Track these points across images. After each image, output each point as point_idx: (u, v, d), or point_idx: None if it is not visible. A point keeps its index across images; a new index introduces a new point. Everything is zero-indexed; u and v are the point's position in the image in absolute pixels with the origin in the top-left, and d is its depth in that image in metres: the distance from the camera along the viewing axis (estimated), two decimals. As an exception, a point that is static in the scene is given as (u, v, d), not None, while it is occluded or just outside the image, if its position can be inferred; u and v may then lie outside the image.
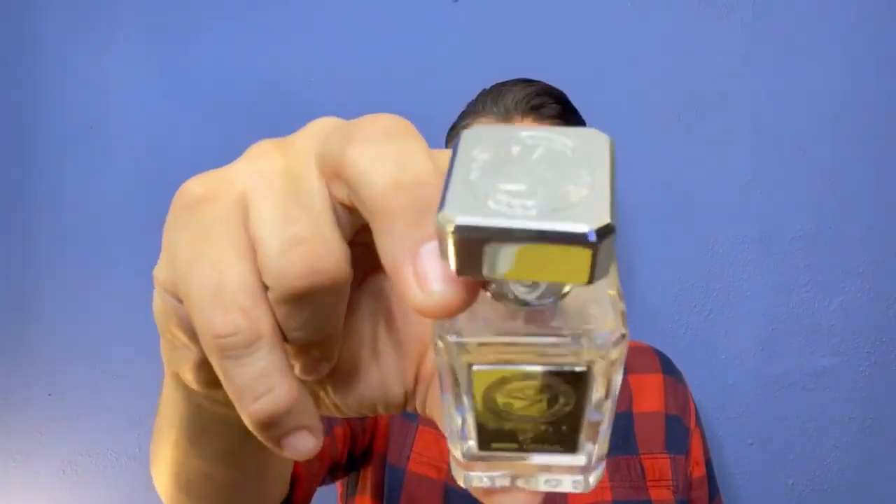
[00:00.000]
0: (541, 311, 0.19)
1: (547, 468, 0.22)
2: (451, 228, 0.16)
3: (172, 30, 1.13)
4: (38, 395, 1.13)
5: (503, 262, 0.16)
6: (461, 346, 0.19)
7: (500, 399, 0.20)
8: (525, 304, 0.19)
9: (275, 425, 0.21)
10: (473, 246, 0.16)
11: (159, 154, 1.13)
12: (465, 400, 0.20)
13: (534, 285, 0.19)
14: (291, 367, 0.21)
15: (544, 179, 0.17)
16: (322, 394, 0.26)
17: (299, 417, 0.21)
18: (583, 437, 0.21)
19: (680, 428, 0.86)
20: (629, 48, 1.10)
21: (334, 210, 0.21)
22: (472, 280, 0.18)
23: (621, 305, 0.19)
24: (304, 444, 0.22)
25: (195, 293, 0.21)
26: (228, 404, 0.26)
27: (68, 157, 1.13)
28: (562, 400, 0.20)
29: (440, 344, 0.19)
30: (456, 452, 0.22)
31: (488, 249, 0.16)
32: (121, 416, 1.11)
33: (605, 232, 0.16)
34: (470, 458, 0.22)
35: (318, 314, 0.21)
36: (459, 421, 0.21)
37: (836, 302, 1.09)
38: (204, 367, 0.24)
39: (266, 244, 0.20)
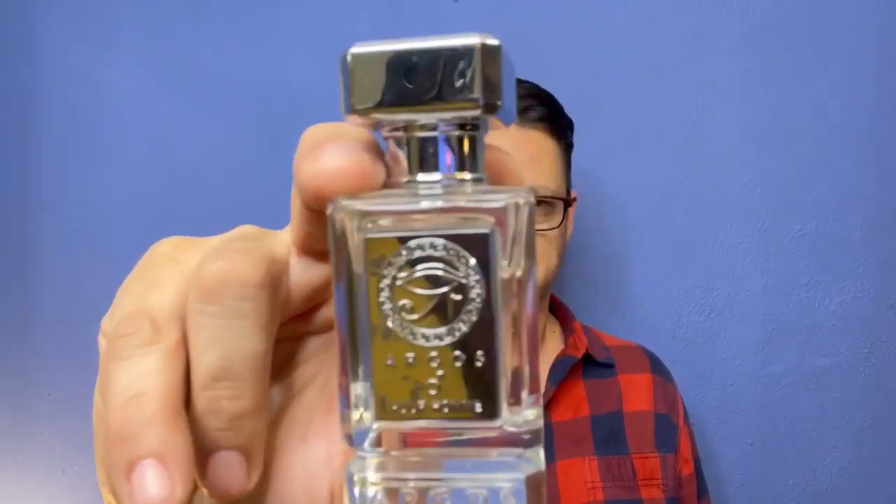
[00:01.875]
0: (449, 190, 0.19)
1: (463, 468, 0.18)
2: (349, 57, 0.18)
3: (172, 30, 1.13)
4: (38, 395, 1.13)
5: (398, 82, 0.18)
6: (360, 214, 0.18)
7: (398, 295, 0.18)
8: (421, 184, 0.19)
9: (130, 440, 0.17)
10: (370, 70, 0.18)
11: (159, 154, 1.13)
12: (358, 309, 0.18)
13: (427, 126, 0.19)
14: (181, 398, 0.18)
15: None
16: None
17: (161, 442, 0.17)
18: (501, 366, 0.18)
19: (669, 426, 0.87)
20: (629, 48, 1.10)
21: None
22: (368, 155, 0.18)
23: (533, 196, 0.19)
24: (157, 485, 0.17)
25: (118, 310, 0.20)
26: None
27: (68, 157, 1.13)
28: (467, 286, 0.18)
29: (332, 219, 0.18)
30: (348, 429, 0.18)
31: (384, 70, 0.18)
32: (121, 416, 1.11)
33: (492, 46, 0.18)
34: (363, 438, 0.18)
35: (228, 325, 0.18)
36: (351, 362, 0.18)
37: (836, 302, 1.09)
38: None
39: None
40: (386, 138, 0.20)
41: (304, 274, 0.21)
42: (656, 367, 0.92)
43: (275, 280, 0.19)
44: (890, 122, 1.09)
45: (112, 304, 0.21)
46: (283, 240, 0.21)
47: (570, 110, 0.90)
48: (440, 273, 0.18)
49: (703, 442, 1.09)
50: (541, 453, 0.18)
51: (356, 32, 1.12)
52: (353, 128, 0.19)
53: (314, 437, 0.22)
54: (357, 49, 0.18)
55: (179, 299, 0.19)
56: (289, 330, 0.22)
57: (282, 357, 0.22)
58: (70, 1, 1.14)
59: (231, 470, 0.18)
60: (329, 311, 0.23)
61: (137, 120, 1.13)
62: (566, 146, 0.88)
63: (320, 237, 0.20)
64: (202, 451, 0.18)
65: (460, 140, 0.19)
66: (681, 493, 0.87)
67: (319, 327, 0.23)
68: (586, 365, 0.87)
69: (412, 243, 0.18)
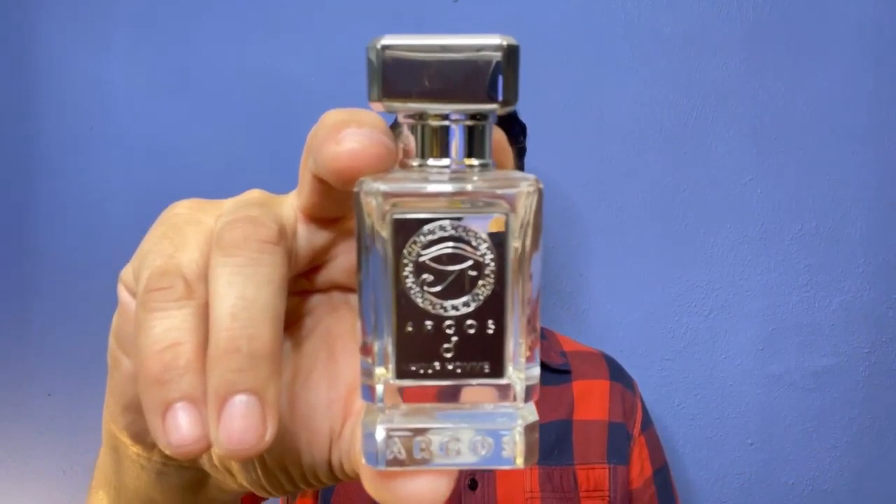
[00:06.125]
0: (459, 175, 0.20)
1: (472, 420, 0.20)
2: (380, 49, 0.19)
3: (172, 29, 1.13)
4: (38, 395, 1.13)
5: (424, 79, 0.19)
6: (384, 195, 0.19)
7: (420, 270, 0.20)
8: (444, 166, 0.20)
9: (167, 384, 0.19)
10: (400, 63, 0.19)
11: (159, 154, 1.13)
12: (382, 281, 0.19)
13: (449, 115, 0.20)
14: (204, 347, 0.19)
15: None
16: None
17: (195, 388, 0.19)
18: (508, 333, 0.20)
19: (623, 436, 0.85)
20: (630, 49, 1.10)
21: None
22: (385, 139, 0.20)
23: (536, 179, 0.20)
24: (189, 426, 0.19)
25: (147, 267, 0.21)
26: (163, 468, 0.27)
27: (68, 157, 1.13)
28: (483, 264, 0.20)
29: (360, 199, 0.19)
30: (371, 382, 0.20)
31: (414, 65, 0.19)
32: (121, 416, 1.11)
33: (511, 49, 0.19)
34: (387, 394, 0.20)
35: (247, 272, 0.20)
36: (374, 327, 0.20)
37: (836, 302, 1.09)
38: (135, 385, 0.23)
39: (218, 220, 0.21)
40: (400, 123, 0.21)
41: (309, 237, 0.23)
42: (615, 374, 0.89)
43: (286, 241, 0.21)
44: (890, 122, 1.09)
45: (133, 258, 0.23)
46: (290, 204, 0.23)
47: (570, 109, 0.90)
48: (459, 251, 0.20)
49: (703, 442, 1.09)
50: (533, 406, 0.21)
51: (356, 32, 1.12)
52: (369, 112, 0.20)
53: (316, 382, 0.24)
54: (388, 41, 0.19)
55: (204, 258, 0.21)
56: (292, 286, 0.23)
57: (286, 310, 0.23)
58: (70, 1, 1.13)
59: (247, 417, 0.18)
60: (330, 272, 0.25)
61: (137, 120, 1.13)
62: (518, 151, 0.88)
63: (327, 207, 0.23)
64: (219, 399, 0.19)
65: (472, 129, 0.20)
66: None
67: (320, 285, 0.25)
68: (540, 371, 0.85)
69: (435, 224, 0.19)
